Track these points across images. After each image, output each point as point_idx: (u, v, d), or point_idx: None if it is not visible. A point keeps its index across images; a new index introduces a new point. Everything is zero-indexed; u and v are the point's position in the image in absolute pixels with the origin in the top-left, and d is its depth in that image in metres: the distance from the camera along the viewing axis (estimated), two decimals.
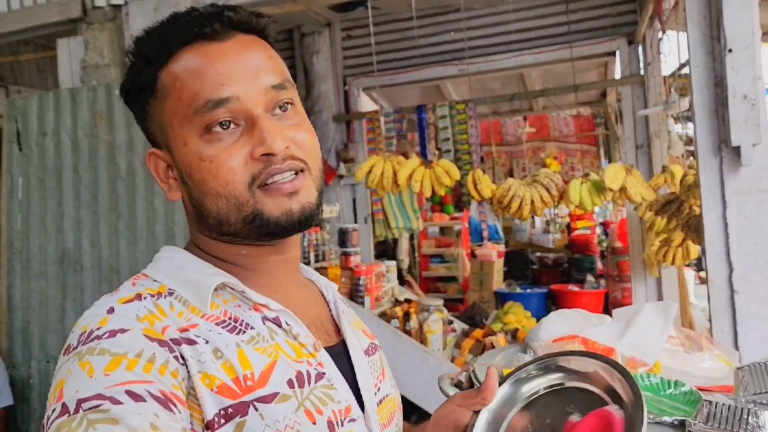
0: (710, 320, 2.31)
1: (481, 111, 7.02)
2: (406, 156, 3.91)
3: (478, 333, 3.18)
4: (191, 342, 0.72)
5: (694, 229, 2.69)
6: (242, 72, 0.78)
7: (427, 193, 3.30)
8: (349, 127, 5.49)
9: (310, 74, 5.42)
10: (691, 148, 4.91)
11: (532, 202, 3.01)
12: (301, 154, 0.80)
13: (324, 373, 0.80)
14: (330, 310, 0.94)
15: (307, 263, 3.41)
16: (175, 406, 0.66)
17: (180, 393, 0.68)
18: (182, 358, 0.70)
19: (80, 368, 0.66)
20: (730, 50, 2.14)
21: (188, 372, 0.70)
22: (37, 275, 2.98)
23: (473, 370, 1.25)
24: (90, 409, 0.62)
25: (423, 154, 4.83)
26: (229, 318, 0.77)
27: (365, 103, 5.67)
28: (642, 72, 4.66)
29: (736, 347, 2.22)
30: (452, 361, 3.04)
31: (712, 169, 2.25)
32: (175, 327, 0.73)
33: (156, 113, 0.81)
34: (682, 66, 3.87)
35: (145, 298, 0.76)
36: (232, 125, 0.77)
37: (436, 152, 4.97)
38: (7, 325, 2.99)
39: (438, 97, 6.55)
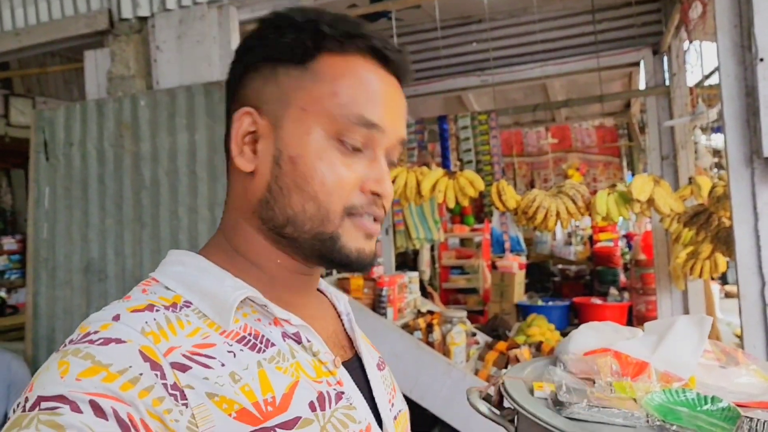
0: (741, 335, 2.25)
1: (503, 122, 6.99)
2: (427, 166, 3.90)
3: (501, 345, 3.14)
4: (206, 366, 0.67)
5: (724, 241, 2.64)
6: (395, 112, 0.77)
7: (451, 204, 3.28)
8: None
9: None
10: (716, 159, 4.84)
11: (558, 213, 2.98)
12: (387, 206, 0.79)
13: (343, 393, 0.76)
14: (342, 323, 0.91)
15: (329, 274, 3.41)
16: None
17: (154, 424, 0.61)
18: (179, 388, 0.64)
19: (57, 366, 0.62)
20: (761, 59, 2.10)
21: (187, 404, 0.64)
22: (63, 284, 3.00)
23: (503, 383, 1.22)
24: (46, 409, 0.57)
25: (445, 165, 4.82)
26: (250, 334, 0.73)
27: None
28: (667, 82, 4.61)
29: None
30: (476, 373, 3.00)
31: (743, 180, 2.21)
32: (186, 348, 0.67)
33: (285, 82, 0.74)
34: (708, 76, 3.83)
35: (158, 309, 0.70)
36: (358, 149, 0.74)
37: (458, 163, 4.96)
38: (32, 333, 3.02)
39: (460, 107, 6.54)
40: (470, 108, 6.46)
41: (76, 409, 0.57)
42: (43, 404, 0.58)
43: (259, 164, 0.75)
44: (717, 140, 4.82)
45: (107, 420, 0.58)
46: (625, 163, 8.56)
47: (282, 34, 0.74)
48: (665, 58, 4.61)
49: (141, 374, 0.62)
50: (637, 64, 4.87)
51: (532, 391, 1.19)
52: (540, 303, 6.60)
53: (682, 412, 1.11)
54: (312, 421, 0.70)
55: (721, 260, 3.28)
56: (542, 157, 8.59)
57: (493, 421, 1.22)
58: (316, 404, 0.72)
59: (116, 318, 0.67)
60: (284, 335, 0.75)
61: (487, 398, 1.26)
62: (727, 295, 8.88)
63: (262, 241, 0.78)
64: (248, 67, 0.77)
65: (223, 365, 0.68)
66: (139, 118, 2.89)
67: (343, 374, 0.78)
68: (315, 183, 0.72)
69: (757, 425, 0.95)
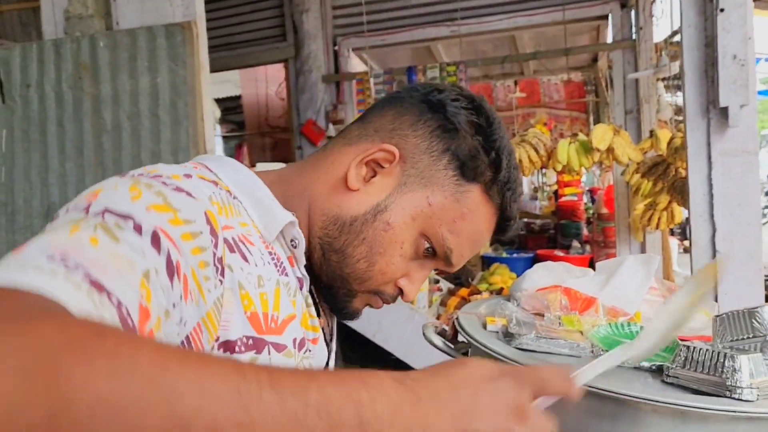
0: None
1: (472, 74, 6.96)
2: None
3: (463, 292, 3.21)
4: (245, 258, 0.69)
5: (680, 191, 2.71)
6: (470, 256, 0.84)
7: None
8: (338, 87, 5.44)
9: (300, 33, 5.35)
10: (680, 118, 4.94)
11: (520, 161, 3.02)
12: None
13: (311, 351, 0.79)
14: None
15: None
16: (176, 282, 0.60)
17: (192, 284, 0.61)
18: (222, 263, 0.65)
19: (128, 189, 0.61)
20: (722, 10, 2.13)
21: (222, 282, 0.65)
22: (23, 228, 2.95)
23: (457, 318, 1.26)
24: (110, 220, 0.57)
25: None
26: (275, 254, 0.75)
27: (355, 65, 5.61)
28: (634, 36, 4.63)
29: None
30: (437, 318, 3.07)
31: (699, 130, 2.26)
32: (236, 232, 0.69)
33: (439, 171, 0.78)
34: (674, 33, 3.86)
35: (220, 188, 0.71)
36: (424, 257, 0.81)
37: None
38: None
39: (429, 58, 6.49)
40: (439, 59, 6.42)
41: (138, 231, 0.57)
42: (109, 216, 0.57)
43: (362, 193, 0.78)
44: (680, 98, 4.89)
45: (159, 255, 0.58)
46: (591, 119, 8.63)
47: (471, 137, 0.78)
48: (633, 12, 4.63)
49: (201, 233, 0.63)
50: (606, 17, 4.88)
51: (485, 326, 1.23)
52: (504, 255, 6.72)
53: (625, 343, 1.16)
54: (292, 355, 0.73)
55: (678, 211, 3.37)
56: (511, 112, 8.60)
57: (447, 354, 1.26)
58: (298, 343, 0.75)
59: (188, 176, 0.68)
60: (294, 275, 0.78)
61: (442, 333, 1.30)
62: (686, 250, 9.11)
63: (305, 222, 0.80)
64: (429, 124, 0.78)
65: (255, 265, 0.70)
66: (99, 60, 2.82)
67: (320, 336, 0.82)
68: (381, 260, 0.77)
69: (693, 353, 1.00)
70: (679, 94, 4.69)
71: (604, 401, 0.95)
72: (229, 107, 8.56)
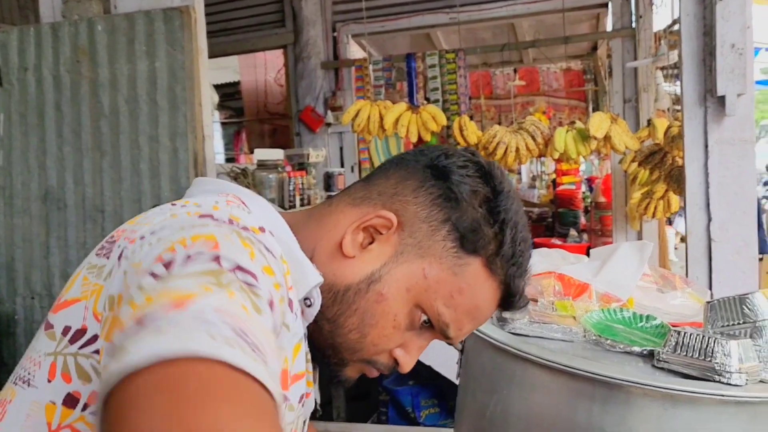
0: (687, 269, 2.35)
1: (471, 62, 6.94)
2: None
3: None
4: (294, 315, 0.69)
5: (676, 179, 2.72)
6: (472, 329, 0.80)
7: (413, 139, 3.30)
8: (337, 74, 5.43)
9: (299, 19, 5.33)
10: (678, 107, 4.94)
11: (517, 149, 3.02)
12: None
13: (305, 404, 0.79)
14: None
15: (293, 207, 3.43)
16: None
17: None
18: (284, 323, 0.66)
19: (241, 243, 0.59)
20: None
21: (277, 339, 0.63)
22: (21, 212, 2.96)
23: None
24: (245, 281, 0.55)
25: (411, 103, 4.81)
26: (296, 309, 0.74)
27: (354, 52, 5.59)
28: (634, 25, 4.62)
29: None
30: None
31: (696, 118, 2.26)
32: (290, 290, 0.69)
33: (438, 242, 0.74)
34: (674, 22, 3.86)
35: (275, 243, 0.70)
36: (420, 327, 0.77)
37: (424, 102, 4.95)
38: None
39: (428, 45, 6.48)
40: (439, 46, 6.40)
41: (263, 297, 0.57)
42: (240, 274, 0.55)
43: (357, 260, 0.74)
44: (679, 87, 4.90)
45: (273, 320, 0.57)
46: (590, 107, 8.62)
47: (474, 208, 0.74)
48: (633, 0, 4.62)
49: (283, 298, 0.63)
50: (606, 5, 4.87)
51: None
52: None
53: (618, 328, 1.17)
54: (294, 409, 0.73)
55: (674, 200, 3.38)
56: (510, 100, 8.59)
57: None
58: (304, 399, 0.76)
59: (262, 229, 0.68)
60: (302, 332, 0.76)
61: None
62: (683, 240, 9.12)
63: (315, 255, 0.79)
64: (431, 191, 0.75)
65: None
66: (97, 44, 2.81)
67: (312, 392, 0.82)
68: (373, 331, 0.74)
69: (683, 338, 1.01)
70: (678, 83, 4.70)
71: (594, 385, 0.97)
72: (228, 93, 8.54)
